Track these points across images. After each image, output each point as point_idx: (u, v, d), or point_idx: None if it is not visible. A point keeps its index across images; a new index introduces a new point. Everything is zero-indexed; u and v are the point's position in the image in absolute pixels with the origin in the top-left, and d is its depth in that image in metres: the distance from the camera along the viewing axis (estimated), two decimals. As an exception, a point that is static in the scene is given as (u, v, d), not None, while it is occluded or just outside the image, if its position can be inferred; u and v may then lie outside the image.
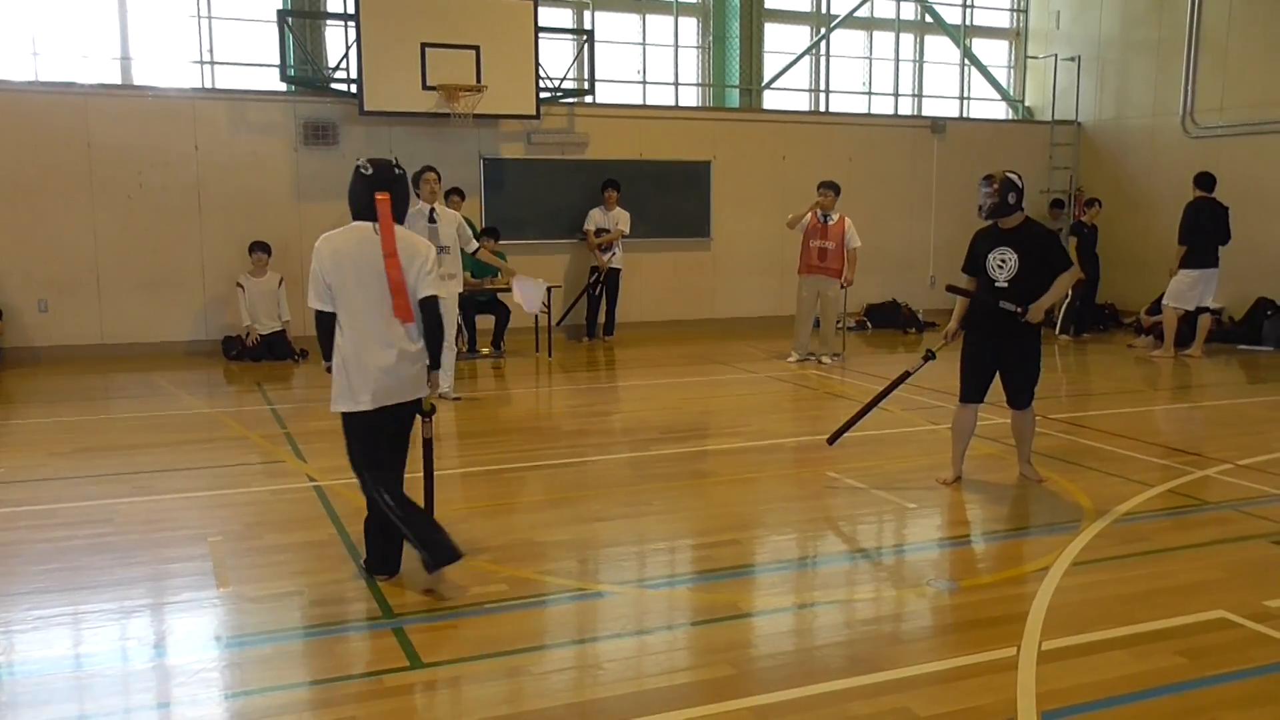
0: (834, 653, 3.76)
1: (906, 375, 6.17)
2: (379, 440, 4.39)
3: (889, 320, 13.68)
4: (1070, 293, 12.80)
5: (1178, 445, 7.04)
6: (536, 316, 11.14)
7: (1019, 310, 5.59)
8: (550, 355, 11.20)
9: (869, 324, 13.65)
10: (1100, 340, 12.71)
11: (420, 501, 4.51)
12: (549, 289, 11.15)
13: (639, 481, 6.15)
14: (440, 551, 4.26)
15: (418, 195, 8.15)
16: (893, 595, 4.39)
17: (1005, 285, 5.64)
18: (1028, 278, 5.60)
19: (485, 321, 11.41)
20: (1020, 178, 5.71)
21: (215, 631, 3.99)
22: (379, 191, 4.28)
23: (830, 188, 10.51)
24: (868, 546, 5.23)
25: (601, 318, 12.44)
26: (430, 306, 4.36)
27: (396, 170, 4.42)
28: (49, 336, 10.78)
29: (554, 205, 12.48)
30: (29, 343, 10.69)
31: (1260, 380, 10.08)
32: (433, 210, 8.24)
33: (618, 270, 12.34)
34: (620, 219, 12.23)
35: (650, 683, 3.50)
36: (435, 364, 4.45)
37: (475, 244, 8.75)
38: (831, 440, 6.49)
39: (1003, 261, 5.66)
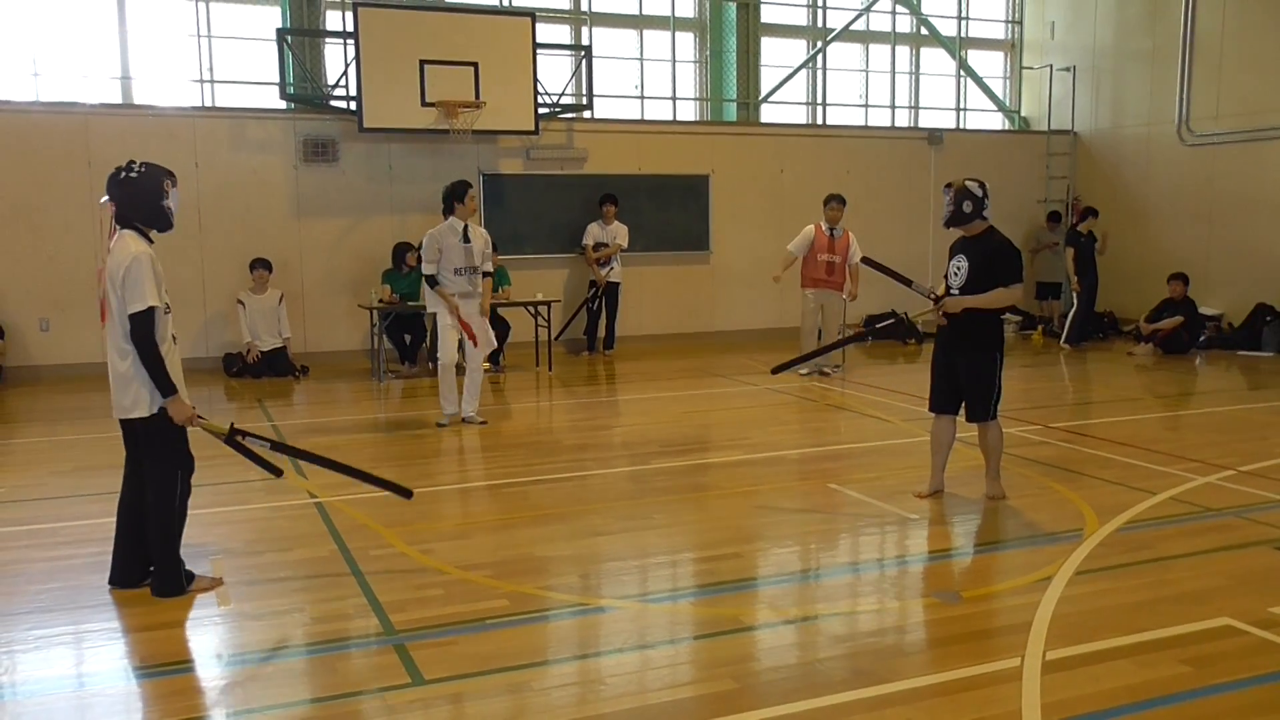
0: (837, 665, 3.74)
1: (872, 326, 6.29)
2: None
3: (889, 331, 13.65)
4: (1076, 302, 12.82)
5: (1179, 452, 7.03)
6: (536, 331, 11.16)
7: (932, 295, 5.71)
8: (550, 369, 11.21)
9: (869, 335, 13.63)
10: (1100, 349, 12.71)
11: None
12: (549, 303, 11.20)
13: (640, 495, 6.14)
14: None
15: (452, 212, 7.86)
16: (896, 607, 4.38)
17: (956, 293, 5.65)
18: (975, 287, 5.56)
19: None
20: (981, 185, 5.61)
21: (216, 649, 3.99)
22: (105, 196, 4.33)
23: (838, 201, 10.51)
24: (870, 558, 5.21)
25: (601, 332, 12.45)
26: (133, 321, 4.22)
27: (122, 175, 4.43)
28: (50, 355, 10.79)
29: (553, 220, 12.50)
30: (30, 361, 10.71)
31: (1261, 386, 10.07)
32: (466, 227, 7.90)
33: (616, 284, 12.36)
34: (619, 233, 12.26)
35: (653, 697, 3.49)
36: (155, 384, 4.22)
37: (490, 267, 8.21)
38: (775, 370, 6.45)
39: (957, 269, 5.67)
